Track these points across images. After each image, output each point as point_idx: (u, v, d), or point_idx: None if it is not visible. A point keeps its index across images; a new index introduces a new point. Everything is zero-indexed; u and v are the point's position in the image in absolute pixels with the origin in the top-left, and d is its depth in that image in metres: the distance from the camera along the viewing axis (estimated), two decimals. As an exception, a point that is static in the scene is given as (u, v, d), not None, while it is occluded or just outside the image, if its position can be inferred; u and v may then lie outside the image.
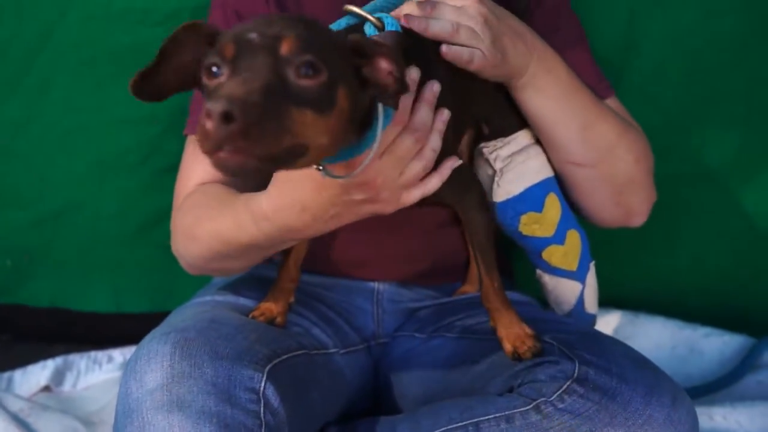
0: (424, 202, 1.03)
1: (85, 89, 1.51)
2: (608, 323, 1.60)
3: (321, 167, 0.89)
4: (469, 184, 1.11)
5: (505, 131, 1.20)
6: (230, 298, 1.21)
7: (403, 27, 1.01)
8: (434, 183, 0.99)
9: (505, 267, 1.47)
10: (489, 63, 1.06)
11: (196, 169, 1.24)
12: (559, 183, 1.24)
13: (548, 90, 1.15)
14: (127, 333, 1.69)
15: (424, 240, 1.35)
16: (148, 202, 1.61)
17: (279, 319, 1.17)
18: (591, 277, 1.29)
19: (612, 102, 1.28)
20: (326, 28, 0.83)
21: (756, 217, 1.54)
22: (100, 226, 1.62)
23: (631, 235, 1.58)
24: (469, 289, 1.38)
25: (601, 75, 1.30)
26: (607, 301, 1.61)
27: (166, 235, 1.60)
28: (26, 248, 1.64)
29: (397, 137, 0.93)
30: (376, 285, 1.36)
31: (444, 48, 1.04)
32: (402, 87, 0.81)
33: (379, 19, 0.95)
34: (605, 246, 1.53)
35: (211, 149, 0.69)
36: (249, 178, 0.79)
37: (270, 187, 1.01)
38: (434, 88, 0.94)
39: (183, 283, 1.67)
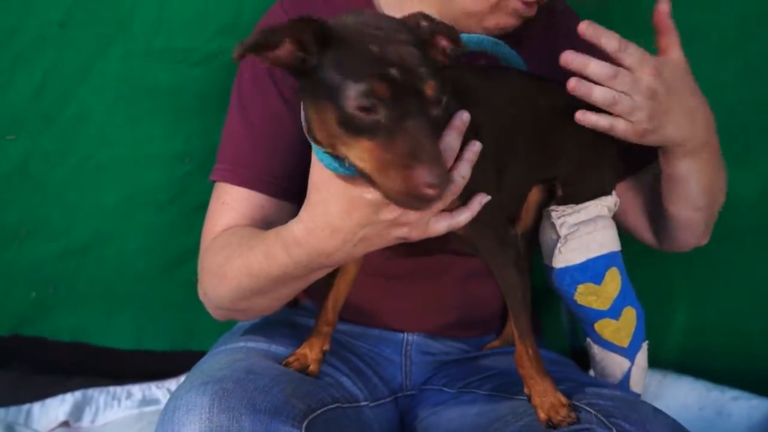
0: (457, 249, 1.04)
1: (120, 124, 1.53)
2: (636, 383, 1.57)
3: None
4: (505, 240, 1.08)
5: (578, 198, 1.18)
6: (263, 344, 1.20)
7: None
8: (464, 217, 0.99)
9: (535, 323, 1.45)
10: (634, 134, 1.09)
11: (224, 214, 1.24)
12: (664, 224, 1.27)
13: (699, 159, 1.18)
14: (147, 370, 1.69)
15: (455, 290, 1.33)
16: (174, 240, 1.61)
17: (312, 367, 1.16)
18: (641, 357, 1.27)
19: None
20: (415, 32, 0.88)
21: (788, 277, 1.53)
22: (126, 261, 1.62)
23: (660, 291, 1.58)
24: (499, 345, 1.36)
25: None
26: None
27: (191, 273, 1.60)
28: (51, 280, 1.63)
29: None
30: (405, 336, 1.34)
31: (579, 115, 1.08)
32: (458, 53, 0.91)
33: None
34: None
35: (422, 205, 0.84)
36: None
37: (301, 212, 1.02)
38: (464, 117, 0.94)
39: (205, 324, 1.66)
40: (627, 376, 1.25)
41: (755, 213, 1.49)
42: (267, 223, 1.22)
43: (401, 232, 0.98)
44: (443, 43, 0.89)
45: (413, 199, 0.82)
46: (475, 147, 0.96)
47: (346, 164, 0.90)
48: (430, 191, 0.80)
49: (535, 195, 1.19)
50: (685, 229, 1.28)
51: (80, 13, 1.46)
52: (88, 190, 1.57)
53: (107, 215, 1.59)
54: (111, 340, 1.68)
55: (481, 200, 1.00)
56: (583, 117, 1.09)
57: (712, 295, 1.58)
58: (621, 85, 1.07)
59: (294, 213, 1.07)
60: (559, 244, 1.16)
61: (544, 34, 1.30)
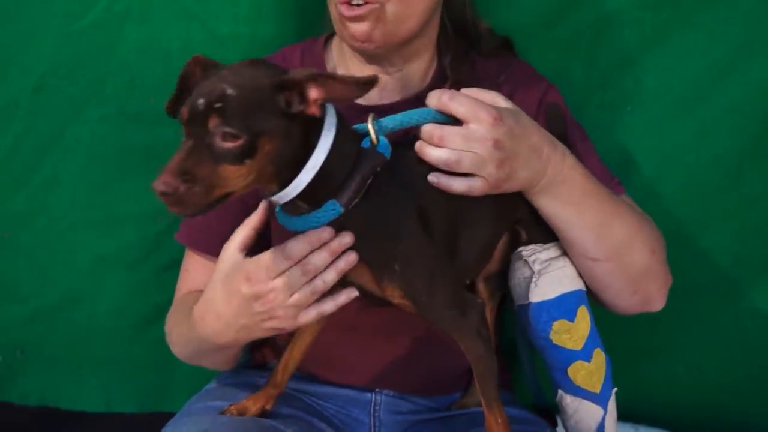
0: (406, 312, 1.07)
1: (92, 185, 1.54)
2: (608, 436, 1.57)
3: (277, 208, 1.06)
4: (465, 310, 1.09)
5: (543, 239, 1.22)
6: (224, 404, 1.25)
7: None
8: (328, 307, 1.08)
9: (504, 379, 1.46)
10: (491, 187, 1.08)
11: (189, 281, 1.38)
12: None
13: (563, 197, 1.17)
14: (115, 433, 1.67)
15: (421, 346, 1.34)
16: (146, 299, 1.60)
17: (247, 415, 1.21)
18: (612, 406, 1.27)
19: (624, 199, 1.33)
20: (262, 74, 0.97)
21: (753, 330, 1.54)
22: (96, 322, 1.61)
23: (628, 345, 1.59)
24: (468, 401, 1.36)
25: (609, 174, 1.35)
26: (606, 413, 1.60)
27: (161, 333, 1.60)
28: (20, 343, 1.62)
29: (288, 269, 1.05)
30: (373, 396, 1.35)
31: (432, 178, 1.07)
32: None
33: (376, 136, 1.04)
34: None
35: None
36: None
37: (202, 294, 1.18)
38: (343, 241, 1.03)
39: (176, 384, 1.66)
40: (601, 427, 1.25)
41: (716, 268, 1.52)
42: None
43: (273, 324, 1.09)
44: (313, 94, 0.95)
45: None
46: (350, 258, 1.04)
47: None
48: (157, 194, 0.90)
49: (502, 241, 1.22)
50: (601, 287, 1.25)
51: (53, 79, 1.48)
52: (58, 251, 1.57)
53: (78, 276, 1.59)
54: (80, 403, 1.67)
55: (349, 294, 1.08)
56: (438, 180, 1.07)
57: (679, 349, 1.59)
58: (454, 142, 1.05)
59: None
60: (534, 279, 1.18)
61: (498, 85, 1.33)
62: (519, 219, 1.20)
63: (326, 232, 1.02)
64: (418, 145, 1.08)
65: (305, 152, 0.99)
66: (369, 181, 1.01)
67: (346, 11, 1.20)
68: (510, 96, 1.29)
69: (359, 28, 1.20)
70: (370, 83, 0.94)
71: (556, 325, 1.19)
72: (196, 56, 1.02)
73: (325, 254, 1.03)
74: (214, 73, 0.98)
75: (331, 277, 1.05)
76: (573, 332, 1.19)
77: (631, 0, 1.43)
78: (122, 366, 1.65)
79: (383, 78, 1.30)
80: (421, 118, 1.08)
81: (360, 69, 1.31)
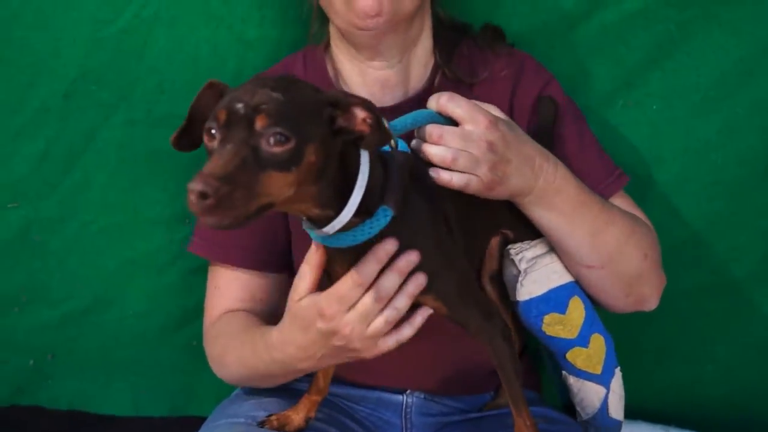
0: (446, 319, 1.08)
1: (122, 189, 1.55)
2: (638, 436, 1.57)
3: (312, 230, 1.00)
4: (490, 313, 1.11)
5: (530, 236, 1.24)
6: (261, 413, 1.24)
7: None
8: (407, 333, 1.06)
9: (532, 379, 1.46)
10: (484, 187, 1.11)
11: (221, 299, 1.37)
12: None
13: (556, 208, 1.19)
14: (145, 437, 1.67)
15: (451, 346, 1.34)
16: (174, 303, 1.61)
17: (289, 428, 1.20)
18: (616, 383, 1.30)
19: (620, 197, 1.34)
20: (305, 88, 0.93)
21: (783, 329, 1.54)
22: (125, 325, 1.62)
23: (658, 346, 1.59)
24: (500, 402, 1.36)
25: (611, 167, 1.35)
26: (635, 414, 1.59)
27: (191, 336, 1.63)
28: (50, 347, 1.63)
29: (361, 297, 1.02)
30: (404, 398, 1.35)
31: (432, 173, 1.09)
32: (382, 135, 0.92)
33: (395, 140, 1.03)
34: (631, 356, 1.52)
35: (196, 214, 0.83)
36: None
37: (280, 323, 1.15)
38: (410, 258, 1.01)
39: (204, 387, 1.66)
40: (605, 404, 1.28)
41: (744, 266, 1.51)
42: (256, 300, 1.35)
43: (353, 354, 1.08)
44: (359, 113, 0.92)
45: (191, 208, 0.83)
46: (419, 281, 1.02)
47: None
48: (191, 197, 0.81)
49: (494, 240, 1.24)
50: (596, 291, 1.27)
51: (84, 84, 1.50)
52: (88, 255, 1.58)
53: (107, 280, 1.59)
54: (109, 407, 1.67)
55: (423, 314, 1.06)
56: (436, 175, 1.09)
57: (709, 349, 1.58)
58: (451, 141, 1.08)
59: (281, 283, 1.22)
60: (520, 278, 1.21)
61: (499, 79, 1.35)
62: (502, 225, 1.23)
63: (390, 244, 0.99)
64: (414, 143, 1.10)
65: (342, 172, 0.95)
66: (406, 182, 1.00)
67: None
68: (512, 89, 1.34)
69: (368, 1, 1.21)
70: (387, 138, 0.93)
71: (548, 318, 1.22)
72: (210, 81, 0.96)
73: (395, 276, 1.01)
74: (240, 86, 0.92)
75: (402, 303, 1.03)
76: (566, 323, 1.23)
77: (656, -1, 1.44)
78: (151, 369, 1.66)
79: (387, 73, 1.31)
80: (425, 120, 1.10)
81: (361, 69, 1.32)
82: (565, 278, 1.24)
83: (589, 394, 1.29)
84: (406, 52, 1.32)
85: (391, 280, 1.01)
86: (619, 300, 1.30)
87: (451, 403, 1.36)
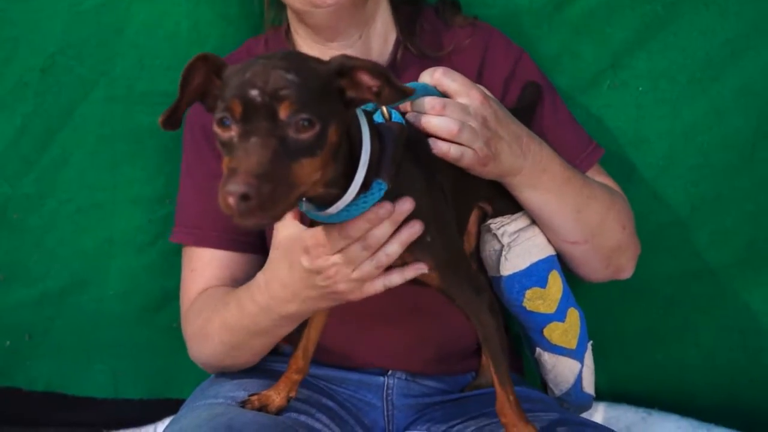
0: (422, 285, 1.06)
1: (101, 167, 1.53)
2: (621, 420, 1.56)
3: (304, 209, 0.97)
4: (479, 287, 1.10)
5: (508, 210, 1.24)
6: (241, 393, 1.22)
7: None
8: (396, 279, 1.04)
9: (515, 361, 1.46)
10: (479, 162, 1.10)
11: (199, 279, 1.34)
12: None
13: (543, 187, 1.20)
14: (124, 418, 1.65)
15: (433, 326, 1.33)
16: (154, 283, 1.59)
17: (271, 407, 1.18)
18: (588, 358, 1.32)
19: (594, 169, 1.35)
20: (311, 62, 0.89)
21: (765, 313, 1.53)
22: (104, 305, 1.60)
23: (641, 329, 1.59)
24: (481, 382, 1.36)
25: (586, 140, 1.36)
26: (619, 397, 1.59)
27: (171, 318, 1.60)
28: (27, 328, 1.60)
29: (348, 245, 0.98)
30: (385, 379, 1.34)
31: (431, 142, 1.07)
32: (398, 92, 0.89)
33: (388, 111, 1.02)
34: (615, 339, 1.53)
35: (236, 219, 0.80)
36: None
37: (266, 265, 1.13)
38: (404, 207, 0.98)
39: (184, 370, 1.63)
40: (579, 379, 1.30)
41: (732, 248, 1.50)
42: (234, 280, 1.32)
43: (338, 296, 1.06)
44: (365, 79, 0.88)
45: (227, 211, 0.79)
46: (414, 228, 1.00)
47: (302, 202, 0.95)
48: (230, 200, 0.78)
49: (473, 215, 1.23)
50: (577, 265, 1.30)
51: (62, 59, 1.47)
52: (67, 234, 1.56)
53: (86, 259, 1.57)
54: (87, 389, 1.65)
55: (417, 269, 1.04)
56: (434, 146, 1.07)
57: (692, 332, 1.57)
58: (453, 113, 1.07)
59: (260, 265, 1.17)
60: (504, 252, 1.21)
61: (464, 51, 1.34)
62: (481, 198, 1.22)
63: (384, 209, 0.96)
64: (411, 115, 1.08)
65: (348, 148, 0.92)
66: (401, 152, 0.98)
67: None
68: (481, 62, 1.33)
69: None
70: (404, 93, 0.90)
71: (529, 293, 1.22)
72: (203, 54, 0.90)
73: (387, 226, 0.98)
74: (245, 67, 0.85)
75: (394, 249, 1.00)
76: (546, 297, 1.23)
77: (642, -22, 1.42)
78: (130, 351, 1.64)
79: (348, 52, 1.28)
80: (419, 92, 1.08)
81: (322, 51, 1.30)
82: (545, 252, 1.25)
83: (563, 370, 1.29)
84: (365, 27, 1.31)
85: (381, 231, 0.98)
86: (598, 272, 1.33)
87: (432, 383, 1.35)
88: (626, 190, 1.39)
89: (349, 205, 0.94)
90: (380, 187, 0.95)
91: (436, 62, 1.31)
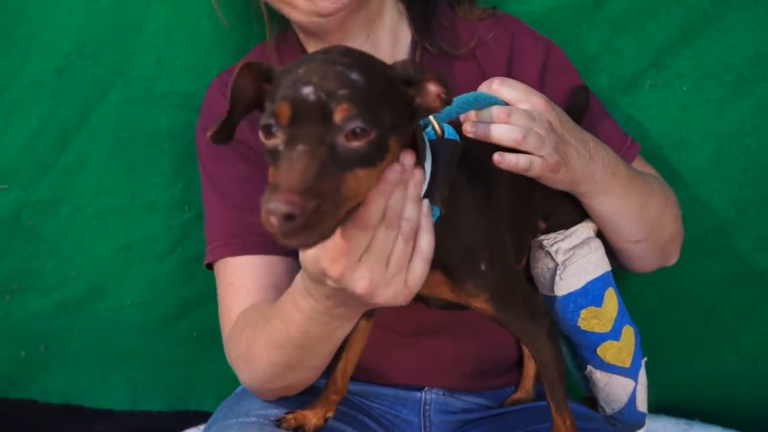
0: (478, 312, 0.99)
1: (119, 172, 1.47)
2: (661, 432, 1.52)
3: None
4: (536, 311, 1.03)
5: (564, 225, 1.18)
6: (274, 411, 1.15)
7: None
8: (425, 242, 0.87)
9: None
10: (549, 168, 1.04)
11: (234, 295, 1.21)
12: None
13: (614, 192, 1.16)
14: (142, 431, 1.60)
15: (470, 340, 1.28)
16: (173, 292, 1.53)
17: (308, 427, 1.11)
18: (642, 375, 1.27)
19: (637, 160, 1.31)
20: (377, 62, 0.82)
21: (811, 322, 1.48)
22: (122, 315, 1.54)
23: (680, 336, 1.54)
24: (521, 396, 1.31)
25: (624, 135, 1.31)
26: (659, 409, 1.54)
27: (190, 327, 1.55)
28: (43, 338, 1.55)
29: (373, 239, 0.84)
30: (422, 395, 1.29)
31: (497, 157, 1.00)
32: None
33: (441, 126, 0.92)
34: (654, 347, 1.47)
35: (279, 239, 0.72)
36: None
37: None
38: (407, 162, 0.84)
39: (204, 380, 1.60)
40: (633, 397, 1.25)
41: (777, 255, 1.45)
42: (278, 287, 1.17)
43: (385, 303, 0.89)
44: (433, 88, 0.82)
45: (271, 230, 0.72)
46: (417, 176, 0.85)
47: None
48: (272, 220, 0.70)
49: None
50: (634, 261, 1.29)
51: (78, 59, 1.41)
52: (83, 241, 1.50)
53: (103, 267, 1.51)
54: (105, 401, 1.60)
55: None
56: (501, 159, 1.00)
57: (733, 341, 1.52)
58: (519, 119, 1.01)
59: (298, 268, 1.00)
60: (558, 271, 1.15)
61: (487, 45, 1.28)
62: (538, 215, 1.17)
63: (395, 172, 0.82)
64: (477, 127, 1.00)
65: None
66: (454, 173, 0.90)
67: None
68: (509, 55, 1.27)
69: None
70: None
71: (584, 312, 1.17)
72: (247, 62, 0.82)
73: (398, 192, 0.83)
74: (299, 63, 0.77)
75: (410, 210, 0.84)
76: (601, 316, 1.18)
77: (689, -28, 1.36)
78: (148, 361, 1.58)
79: None
80: (469, 104, 1.01)
81: None
82: (601, 269, 1.19)
83: (616, 389, 1.24)
84: (372, 24, 1.25)
85: (394, 198, 0.83)
86: (652, 264, 1.31)
87: (471, 398, 1.30)
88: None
89: None
90: (433, 213, 0.87)
91: (459, 60, 1.26)
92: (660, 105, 1.40)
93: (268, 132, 0.76)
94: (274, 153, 0.76)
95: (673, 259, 1.34)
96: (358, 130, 0.74)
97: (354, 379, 1.24)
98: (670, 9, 1.37)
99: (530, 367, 1.32)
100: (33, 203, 1.47)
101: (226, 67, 1.37)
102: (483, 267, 0.95)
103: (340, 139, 0.74)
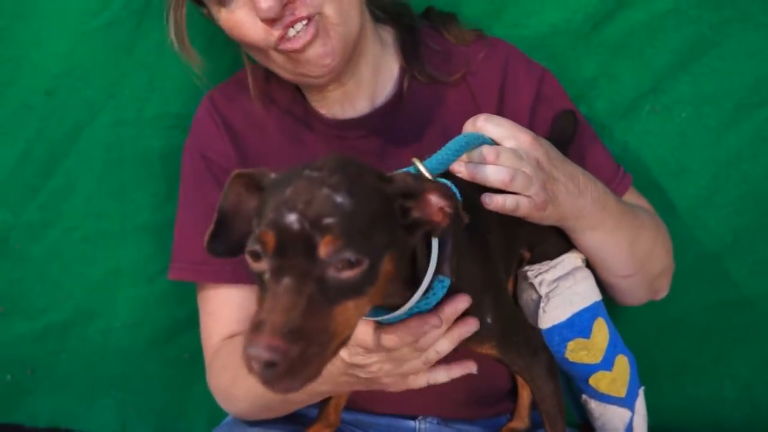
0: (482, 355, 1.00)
1: (108, 194, 1.45)
2: (656, 459, 1.50)
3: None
4: (536, 349, 1.04)
5: (549, 255, 1.16)
6: None
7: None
8: (441, 377, 0.98)
9: None
10: (536, 208, 1.03)
11: (217, 324, 1.23)
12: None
13: (603, 226, 1.14)
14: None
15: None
16: (163, 314, 1.52)
17: None
18: (640, 404, 1.25)
19: (631, 192, 1.30)
20: (368, 175, 0.76)
21: (806, 347, 1.48)
22: (111, 338, 1.53)
23: (675, 362, 1.53)
24: (518, 425, 1.30)
25: (616, 166, 1.30)
26: (654, 433, 1.53)
27: (181, 349, 1.53)
28: (29, 361, 1.53)
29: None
30: (416, 424, 1.28)
31: (485, 199, 0.99)
32: (456, 223, 0.79)
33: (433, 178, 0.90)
34: (648, 373, 1.46)
35: (261, 382, 0.68)
36: None
37: None
38: (459, 306, 0.89)
39: (195, 404, 1.58)
40: (629, 428, 1.23)
41: (769, 281, 1.45)
42: None
43: (379, 386, 0.98)
44: (435, 200, 0.78)
45: (251, 374, 0.68)
46: (470, 327, 0.91)
47: None
48: (254, 365, 0.67)
49: None
50: (624, 296, 1.28)
51: (68, 80, 1.39)
52: (72, 264, 1.48)
53: (92, 290, 1.50)
54: (93, 424, 1.57)
55: (465, 368, 0.97)
56: (489, 201, 0.99)
57: (729, 363, 1.51)
58: (507, 160, 0.99)
59: None
60: (542, 304, 1.14)
61: (478, 72, 1.26)
62: (522, 245, 1.15)
63: (435, 320, 0.86)
64: (464, 166, 0.98)
65: (411, 261, 0.81)
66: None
67: (293, 44, 1.09)
68: (501, 82, 1.24)
69: (316, 49, 1.10)
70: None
71: (571, 344, 1.16)
72: (237, 172, 0.79)
73: (439, 330, 0.89)
74: (287, 180, 0.72)
75: (445, 347, 0.92)
76: (590, 348, 1.17)
77: (687, -2, 1.35)
78: (138, 385, 1.56)
79: (344, 90, 1.22)
80: (461, 149, 0.98)
81: (318, 95, 1.23)
82: (589, 300, 1.17)
83: (612, 419, 1.23)
84: (356, 65, 1.21)
85: (435, 335, 0.90)
86: (641, 298, 1.30)
87: (465, 427, 1.30)
88: (667, 221, 1.33)
89: (411, 308, 0.84)
90: (443, 285, 0.85)
91: (450, 86, 1.24)
92: (658, 131, 1.39)
93: (255, 257, 0.72)
94: (261, 280, 0.72)
95: (662, 293, 1.32)
96: (351, 261, 0.70)
97: (348, 408, 1.24)
98: (668, 34, 1.36)
99: (525, 396, 1.31)
100: (21, 226, 1.45)
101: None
102: (489, 320, 0.94)
103: (330, 271, 0.70)
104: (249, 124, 1.26)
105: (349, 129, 1.22)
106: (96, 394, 1.56)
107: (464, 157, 0.99)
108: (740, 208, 1.40)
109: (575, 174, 1.09)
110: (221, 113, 1.27)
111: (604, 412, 1.22)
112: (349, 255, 0.69)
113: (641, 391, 1.25)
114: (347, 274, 0.70)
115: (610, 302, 1.27)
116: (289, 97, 1.26)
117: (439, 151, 0.94)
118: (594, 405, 1.22)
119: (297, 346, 0.65)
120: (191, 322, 1.49)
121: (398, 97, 1.23)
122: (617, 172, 1.28)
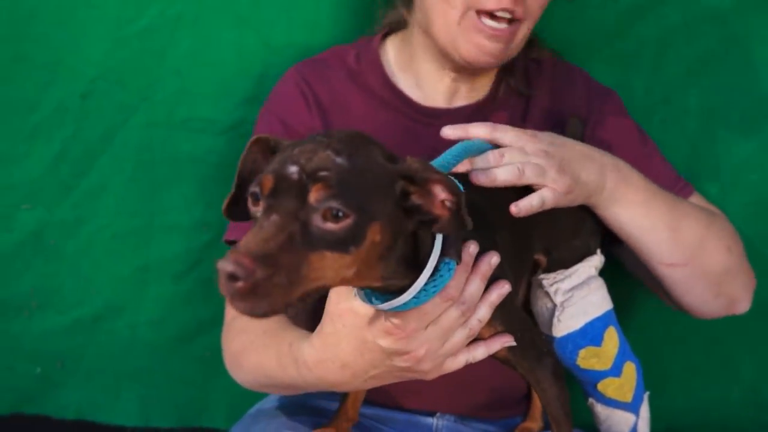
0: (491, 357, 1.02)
1: (140, 194, 1.50)
2: (663, 460, 1.53)
3: (371, 301, 0.88)
4: (542, 352, 1.06)
5: (565, 263, 1.18)
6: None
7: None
8: (480, 353, 0.98)
9: None
10: (561, 192, 1.05)
11: None
12: (658, 285, 1.24)
13: (630, 199, 1.14)
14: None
15: (483, 368, 1.27)
16: (189, 312, 1.56)
17: None
18: (644, 409, 1.27)
19: (694, 198, 1.30)
20: (375, 150, 0.80)
21: (813, 352, 1.51)
22: (137, 333, 1.57)
23: (682, 367, 1.56)
24: (532, 426, 1.33)
25: (676, 175, 1.31)
26: (661, 437, 1.56)
27: (204, 347, 1.58)
28: (59, 355, 1.57)
29: (445, 310, 0.91)
30: (434, 421, 1.31)
31: (513, 209, 1.02)
32: (459, 223, 0.80)
33: None
34: (657, 377, 1.49)
35: (225, 296, 0.71)
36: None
37: (314, 336, 1.01)
38: (492, 260, 0.92)
39: (216, 399, 1.61)
40: (634, 431, 1.24)
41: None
42: None
43: (414, 375, 0.98)
44: (439, 192, 0.80)
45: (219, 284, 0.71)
46: (503, 289, 0.94)
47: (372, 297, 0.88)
48: (221, 278, 0.69)
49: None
50: (682, 294, 1.23)
51: (103, 84, 1.45)
52: (102, 260, 1.52)
53: (121, 286, 1.54)
54: (117, 417, 1.61)
55: (503, 340, 0.98)
56: (518, 210, 1.02)
57: (737, 367, 1.55)
58: (513, 158, 1.03)
59: None
60: (557, 312, 1.15)
61: (551, 91, 1.32)
62: (538, 249, 1.16)
63: (494, 257, 0.91)
64: (477, 176, 1.02)
65: (413, 244, 0.84)
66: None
67: (490, 25, 1.14)
68: (559, 101, 1.29)
69: (495, 46, 1.16)
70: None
71: (583, 352, 1.17)
72: (257, 137, 0.84)
73: (479, 282, 0.90)
74: (299, 143, 0.78)
75: (484, 312, 0.93)
76: (601, 355, 1.18)
77: (697, 13, 1.40)
78: (161, 379, 1.60)
79: (456, 85, 1.27)
80: (461, 154, 1.02)
81: (434, 74, 1.27)
82: (602, 309, 1.19)
83: (617, 422, 1.24)
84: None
85: (476, 286, 0.90)
86: (707, 302, 1.24)
87: (481, 426, 1.32)
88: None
89: (418, 294, 0.86)
90: (449, 267, 0.87)
91: (531, 100, 1.29)
92: (668, 140, 1.43)
93: (255, 199, 0.77)
94: (255, 218, 0.77)
95: (742, 305, 1.27)
96: (336, 213, 0.73)
97: (367, 402, 1.27)
98: (678, 47, 1.41)
99: (539, 397, 1.34)
100: (55, 223, 1.50)
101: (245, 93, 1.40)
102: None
103: (316, 218, 0.74)
104: (335, 103, 1.29)
105: (438, 117, 1.25)
106: (121, 387, 1.60)
107: (467, 164, 1.03)
108: (748, 217, 1.44)
109: (587, 153, 1.11)
110: (313, 89, 1.29)
111: (609, 416, 1.24)
112: (335, 204, 0.73)
113: (646, 396, 1.27)
114: (331, 225, 0.73)
115: (620, 312, 1.27)
116: (379, 80, 1.29)
117: (440, 156, 0.98)
118: (600, 408, 1.24)
119: (263, 270, 0.68)
120: (214, 321, 1.53)
121: (492, 98, 1.28)
122: (677, 182, 1.30)
